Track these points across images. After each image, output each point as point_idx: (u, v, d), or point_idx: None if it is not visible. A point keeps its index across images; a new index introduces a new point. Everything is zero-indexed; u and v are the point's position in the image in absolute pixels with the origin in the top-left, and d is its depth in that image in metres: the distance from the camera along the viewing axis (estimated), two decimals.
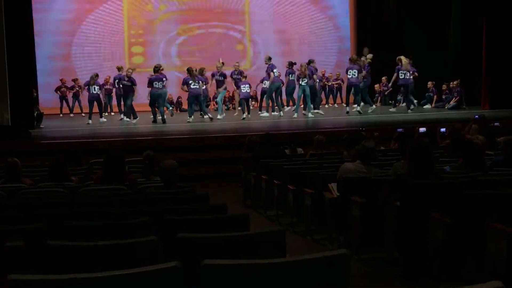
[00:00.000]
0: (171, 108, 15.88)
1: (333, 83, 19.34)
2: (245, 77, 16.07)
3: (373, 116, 14.81)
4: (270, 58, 15.33)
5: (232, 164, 10.11)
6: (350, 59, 15.65)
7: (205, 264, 2.40)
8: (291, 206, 6.91)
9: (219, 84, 15.37)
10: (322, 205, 6.04)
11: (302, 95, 15.03)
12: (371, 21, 20.97)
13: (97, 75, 15.75)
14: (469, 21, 17.08)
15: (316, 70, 16.36)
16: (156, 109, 14.33)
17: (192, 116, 14.75)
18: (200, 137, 11.31)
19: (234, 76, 15.90)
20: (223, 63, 15.51)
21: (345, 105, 15.84)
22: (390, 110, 15.92)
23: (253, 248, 3.11)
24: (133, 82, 14.87)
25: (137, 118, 14.85)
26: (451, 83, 17.01)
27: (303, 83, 14.88)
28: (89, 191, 5.25)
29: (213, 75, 15.48)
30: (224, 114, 15.34)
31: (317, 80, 15.99)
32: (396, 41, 19.94)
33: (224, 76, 15.42)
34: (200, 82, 14.61)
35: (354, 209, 5.33)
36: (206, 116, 14.83)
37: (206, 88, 15.33)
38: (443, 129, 9.10)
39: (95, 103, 15.45)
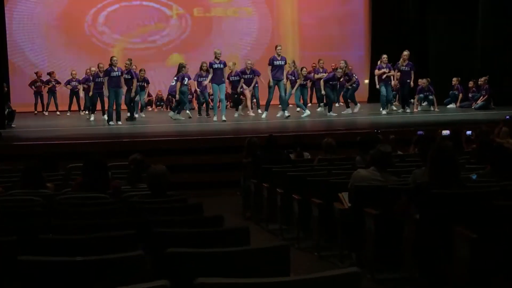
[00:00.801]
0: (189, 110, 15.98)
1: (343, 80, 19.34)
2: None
3: (390, 117, 14.83)
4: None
5: (230, 170, 10.12)
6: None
7: (198, 283, 2.40)
8: (296, 218, 6.91)
9: (218, 73, 14.70)
10: (331, 218, 6.04)
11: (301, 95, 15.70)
12: (389, 12, 20.97)
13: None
14: (498, 11, 17.10)
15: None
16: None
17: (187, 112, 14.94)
18: (194, 139, 11.31)
19: (246, 76, 15.79)
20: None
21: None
22: (399, 111, 15.84)
23: (253, 265, 3.12)
24: (133, 76, 14.91)
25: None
26: (479, 79, 17.00)
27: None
28: (67, 200, 5.25)
29: (211, 65, 14.82)
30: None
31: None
32: (417, 33, 19.95)
33: (225, 64, 14.99)
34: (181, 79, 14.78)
35: (368, 222, 5.34)
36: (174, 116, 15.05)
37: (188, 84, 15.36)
38: (469, 132, 9.11)
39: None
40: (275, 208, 7.50)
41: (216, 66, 14.58)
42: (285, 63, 14.98)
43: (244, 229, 3.82)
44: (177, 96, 15.51)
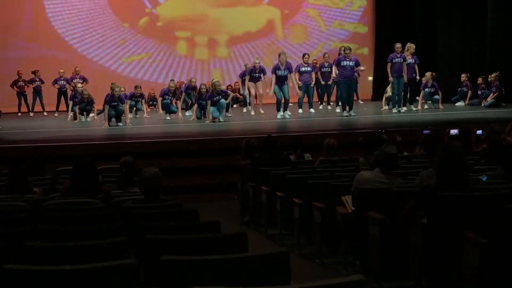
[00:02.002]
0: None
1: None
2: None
3: (395, 115, 14.83)
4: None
5: (226, 172, 10.11)
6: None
7: None
8: (297, 223, 6.91)
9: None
10: (334, 222, 6.04)
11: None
12: (395, 6, 20.93)
13: None
14: (508, 6, 17.12)
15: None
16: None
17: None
18: (189, 141, 11.31)
19: (254, 75, 15.90)
20: None
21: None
22: (400, 110, 15.64)
23: (252, 273, 3.12)
24: (122, 100, 15.02)
25: None
26: (489, 76, 17.00)
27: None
28: (55, 205, 5.25)
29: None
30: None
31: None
32: (424, 25, 19.94)
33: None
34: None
35: (372, 227, 5.34)
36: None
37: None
38: (479, 131, 9.11)
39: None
40: (274, 212, 7.50)
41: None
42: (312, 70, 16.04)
43: (242, 235, 3.82)
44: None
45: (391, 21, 20.83)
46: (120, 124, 14.36)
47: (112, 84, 15.07)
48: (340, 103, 15.60)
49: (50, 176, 7.71)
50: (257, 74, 15.91)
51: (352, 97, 15.05)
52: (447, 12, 19.21)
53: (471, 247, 4.21)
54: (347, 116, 14.59)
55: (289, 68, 14.85)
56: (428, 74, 16.63)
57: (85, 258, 3.36)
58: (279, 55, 15.03)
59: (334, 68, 15.00)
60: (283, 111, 14.88)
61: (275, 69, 14.78)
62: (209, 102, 14.47)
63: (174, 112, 15.90)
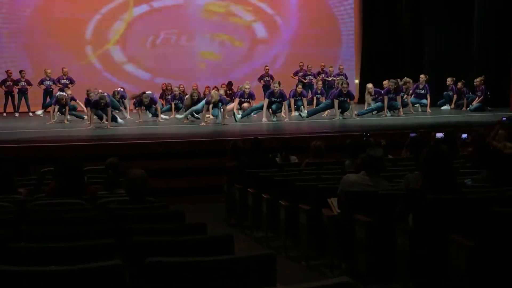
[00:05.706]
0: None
1: (334, 78, 19.37)
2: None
3: (382, 119, 14.89)
4: None
5: (213, 175, 10.09)
6: None
7: None
8: (283, 225, 6.90)
9: None
10: (320, 225, 6.04)
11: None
12: (382, 9, 21.01)
13: None
14: (495, 7, 17.24)
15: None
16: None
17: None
18: (175, 142, 11.28)
19: (243, 100, 16.02)
20: None
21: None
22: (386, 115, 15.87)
23: (238, 275, 3.11)
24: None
25: None
26: (475, 80, 17.06)
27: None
28: (41, 206, 5.21)
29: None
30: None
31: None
32: (411, 29, 20.04)
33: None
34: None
35: (359, 230, 5.34)
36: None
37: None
38: (464, 135, 9.15)
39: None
40: (260, 214, 7.49)
41: None
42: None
43: (228, 237, 3.81)
44: None
45: (378, 25, 20.89)
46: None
47: (88, 90, 14.85)
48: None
49: (35, 176, 7.66)
50: (245, 99, 16.03)
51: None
52: (434, 16, 19.31)
53: (458, 250, 4.22)
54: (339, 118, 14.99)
55: (282, 96, 15.11)
56: (422, 76, 16.81)
57: (71, 259, 3.33)
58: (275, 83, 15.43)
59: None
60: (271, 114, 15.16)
61: (269, 95, 15.11)
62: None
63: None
